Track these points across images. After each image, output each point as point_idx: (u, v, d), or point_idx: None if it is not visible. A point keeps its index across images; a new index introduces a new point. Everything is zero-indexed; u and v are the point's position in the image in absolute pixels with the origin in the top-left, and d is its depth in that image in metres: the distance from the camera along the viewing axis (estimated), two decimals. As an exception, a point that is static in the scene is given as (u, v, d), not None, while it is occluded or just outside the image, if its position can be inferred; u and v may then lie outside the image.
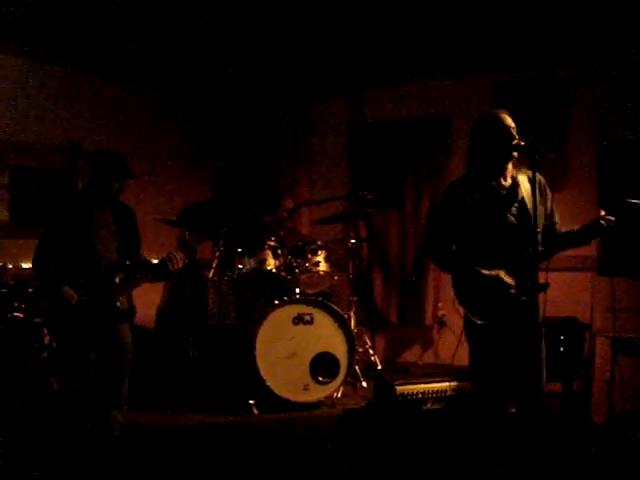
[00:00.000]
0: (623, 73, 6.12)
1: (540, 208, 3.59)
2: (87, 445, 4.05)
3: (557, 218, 3.72)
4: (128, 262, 4.21)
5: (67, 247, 4.11)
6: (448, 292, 6.74)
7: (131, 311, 4.25)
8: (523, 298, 3.47)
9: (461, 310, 3.72)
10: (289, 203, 6.70)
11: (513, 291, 3.48)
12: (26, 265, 5.04)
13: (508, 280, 3.50)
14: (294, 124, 7.77)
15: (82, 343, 4.03)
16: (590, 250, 5.70)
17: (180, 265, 4.25)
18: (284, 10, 5.40)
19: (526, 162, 3.58)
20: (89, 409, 4.09)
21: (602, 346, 5.20)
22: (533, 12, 5.37)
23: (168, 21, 5.51)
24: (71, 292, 4.01)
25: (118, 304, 4.12)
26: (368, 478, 3.96)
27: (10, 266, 5.29)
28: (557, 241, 3.64)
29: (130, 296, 4.28)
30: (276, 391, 5.22)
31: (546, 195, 3.67)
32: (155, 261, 4.33)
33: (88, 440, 4.07)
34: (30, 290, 4.94)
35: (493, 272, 3.51)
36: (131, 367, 4.27)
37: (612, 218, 3.44)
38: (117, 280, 4.14)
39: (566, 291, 5.72)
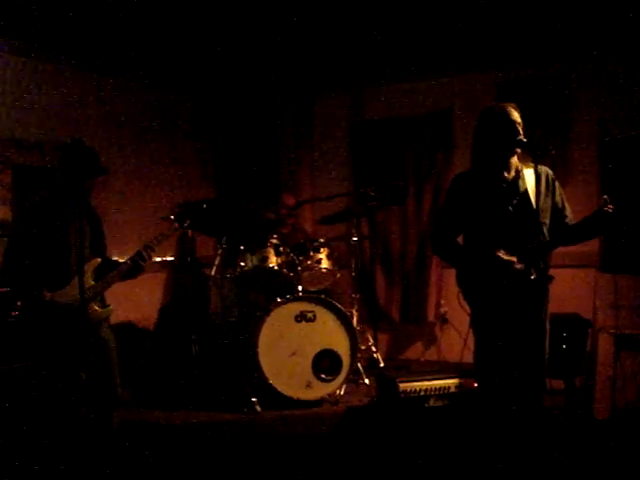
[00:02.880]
0: (625, 69, 6.12)
1: (546, 201, 3.59)
2: (88, 444, 4.04)
3: (568, 211, 3.69)
4: (100, 260, 4.12)
5: (39, 246, 3.92)
6: (450, 289, 6.85)
7: (108, 309, 4.17)
8: (532, 277, 3.47)
9: (466, 306, 3.72)
10: (289, 199, 6.68)
11: (518, 266, 3.47)
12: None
13: (509, 258, 3.48)
14: (296, 121, 7.77)
15: (65, 346, 3.96)
16: (593, 246, 5.71)
17: (151, 259, 4.21)
18: (286, 7, 5.39)
19: (530, 156, 3.58)
20: (86, 410, 4.05)
21: (605, 343, 5.20)
22: (535, 8, 5.36)
23: (170, 18, 5.50)
24: (51, 296, 3.92)
25: (95, 303, 4.06)
26: (371, 475, 3.96)
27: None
28: (565, 233, 3.62)
29: (103, 295, 4.20)
30: (279, 389, 5.23)
31: (554, 188, 3.66)
32: (121, 260, 4.25)
33: (89, 439, 4.05)
34: (16, 295, 4.82)
35: (495, 256, 3.50)
36: (118, 362, 4.19)
37: (614, 207, 3.41)
38: (92, 279, 4.05)
39: (569, 288, 5.71)
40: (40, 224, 3.96)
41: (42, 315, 3.91)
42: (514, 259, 3.47)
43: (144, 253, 4.15)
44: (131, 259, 4.14)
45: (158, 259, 4.39)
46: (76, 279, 3.82)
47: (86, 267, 3.99)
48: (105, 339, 4.12)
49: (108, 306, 4.15)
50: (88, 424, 4.03)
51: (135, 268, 4.16)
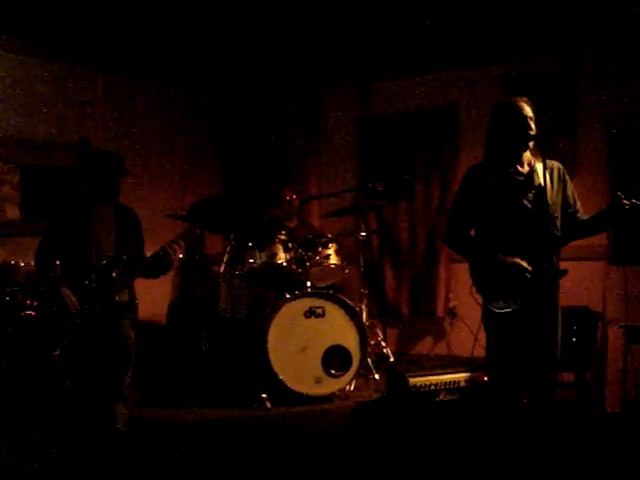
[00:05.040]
0: (632, 60, 6.08)
1: (558, 195, 3.59)
2: (94, 440, 4.09)
3: (579, 206, 3.69)
4: (124, 257, 4.23)
5: (67, 243, 4.17)
6: (459, 283, 6.84)
7: (133, 304, 4.28)
8: (545, 268, 3.45)
9: (479, 299, 3.70)
10: (289, 194, 6.61)
11: (529, 275, 3.47)
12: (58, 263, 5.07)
13: (525, 264, 3.48)
14: (302, 117, 7.76)
15: (82, 340, 4.07)
16: (602, 239, 5.71)
17: (178, 254, 4.29)
18: (293, 1, 5.39)
19: (537, 151, 3.57)
20: (93, 404, 4.13)
21: (615, 335, 5.18)
22: (540, 2, 5.34)
23: (174, 15, 5.50)
24: (69, 292, 4.04)
25: (117, 298, 4.16)
26: (382, 471, 3.96)
27: (22, 264, 5.32)
28: (577, 228, 3.62)
29: (132, 290, 4.30)
30: (289, 385, 5.23)
31: (566, 182, 3.65)
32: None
33: (95, 435, 4.11)
34: (42, 288, 4.95)
35: (509, 258, 3.49)
36: (133, 361, 4.29)
37: (632, 200, 3.40)
38: (114, 275, 4.16)
39: (579, 281, 5.69)
40: (66, 227, 4.20)
41: (58, 308, 4.05)
42: (529, 267, 3.47)
43: (168, 249, 4.23)
44: (154, 254, 4.24)
45: (181, 255, 4.46)
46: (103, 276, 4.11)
47: (109, 264, 4.19)
48: (124, 339, 4.20)
49: (133, 300, 4.26)
50: (92, 418, 4.11)
51: (161, 264, 4.27)
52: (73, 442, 4.08)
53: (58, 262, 4.19)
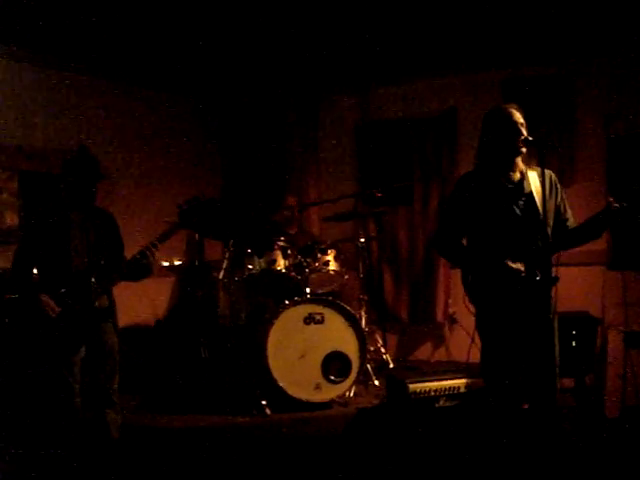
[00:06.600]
0: (630, 65, 6.09)
1: (550, 203, 3.59)
2: (87, 448, 4.08)
3: (569, 214, 3.70)
4: (102, 262, 4.20)
5: (43, 251, 4.12)
6: (459, 289, 6.73)
7: (112, 309, 4.25)
8: (537, 278, 3.46)
9: (472, 306, 3.71)
10: (291, 201, 6.61)
11: (523, 275, 3.47)
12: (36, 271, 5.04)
13: (517, 266, 3.48)
14: (301, 123, 7.76)
15: (62, 347, 4.05)
16: (601, 244, 5.71)
17: (157, 257, 4.27)
18: (290, 8, 5.40)
19: (535, 157, 3.58)
20: (79, 411, 4.11)
21: (614, 340, 5.20)
22: (538, 6, 5.36)
23: (173, 20, 5.51)
24: (47, 299, 4.01)
25: (96, 304, 4.13)
26: (382, 477, 3.96)
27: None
28: (567, 236, 3.63)
29: (110, 294, 4.27)
30: (288, 391, 5.22)
31: (557, 190, 3.67)
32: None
33: (88, 442, 4.10)
34: (19, 296, 4.88)
35: (501, 262, 3.50)
36: (119, 365, 4.25)
37: (622, 203, 3.40)
38: (93, 281, 4.13)
39: (578, 286, 5.70)
40: (42, 234, 4.15)
41: (39, 318, 4.02)
42: (521, 267, 3.47)
43: (147, 252, 4.20)
44: (132, 259, 4.20)
45: (166, 263, 4.41)
46: (81, 282, 4.04)
47: (87, 271, 4.14)
48: (108, 344, 4.18)
49: (111, 304, 4.22)
50: (83, 426, 4.10)
51: (141, 268, 4.23)
52: (66, 451, 4.07)
53: (35, 270, 4.16)
